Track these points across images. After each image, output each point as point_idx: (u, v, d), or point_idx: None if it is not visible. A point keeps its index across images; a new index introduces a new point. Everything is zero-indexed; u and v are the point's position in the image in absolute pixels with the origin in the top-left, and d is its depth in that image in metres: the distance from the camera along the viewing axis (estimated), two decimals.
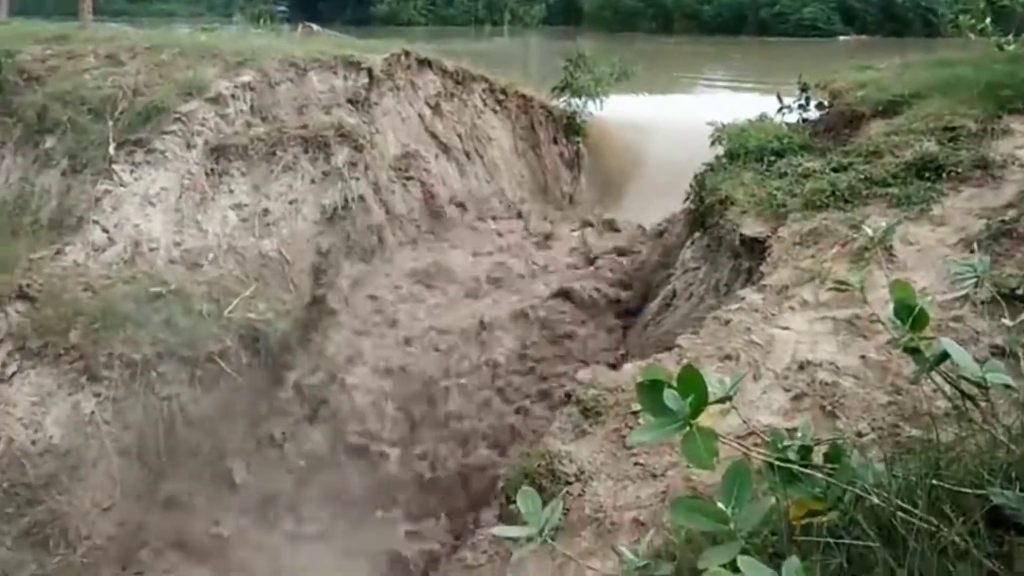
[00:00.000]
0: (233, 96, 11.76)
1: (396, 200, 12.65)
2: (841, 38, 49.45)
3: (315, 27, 19.74)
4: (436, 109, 14.01)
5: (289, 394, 10.08)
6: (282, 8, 47.49)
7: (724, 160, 9.27)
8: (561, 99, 15.75)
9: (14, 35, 13.11)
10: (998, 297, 4.23)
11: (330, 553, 8.65)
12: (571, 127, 15.70)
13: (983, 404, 2.30)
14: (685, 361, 2.17)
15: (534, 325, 10.30)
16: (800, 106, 10.26)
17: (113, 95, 11.41)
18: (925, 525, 2.03)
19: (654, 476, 4.59)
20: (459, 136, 14.17)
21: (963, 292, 5.08)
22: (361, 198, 12.03)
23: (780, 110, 10.19)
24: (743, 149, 9.13)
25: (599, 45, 18.83)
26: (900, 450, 2.98)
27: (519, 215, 13.65)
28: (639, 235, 12.34)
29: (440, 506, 8.85)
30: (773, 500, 2.21)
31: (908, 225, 6.43)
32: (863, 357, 4.97)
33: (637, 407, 5.13)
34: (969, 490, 2.13)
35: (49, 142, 11.35)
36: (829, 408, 4.58)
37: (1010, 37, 10.01)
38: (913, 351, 2.30)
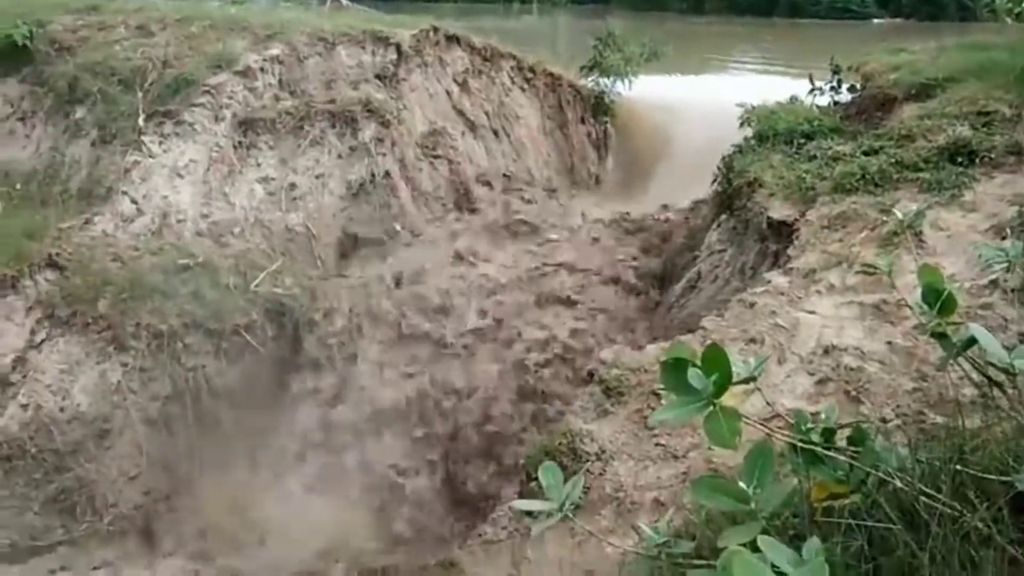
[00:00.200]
0: (262, 69, 11.79)
1: (422, 177, 12.64)
2: (875, 21, 48.80)
3: (344, 1, 19.69)
4: (464, 86, 13.95)
5: (312, 365, 10.09)
6: None
7: (753, 142, 9.20)
8: (590, 78, 15.62)
9: (45, 5, 13.15)
10: None
11: (352, 513, 8.73)
12: (599, 107, 15.58)
13: (1010, 391, 2.28)
14: (709, 343, 2.18)
15: (559, 305, 10.29)
16: (832, 88, 10.16)
17: (143, 66, 11.46)
18: (948, 510, 2.02)
19: (675, 457, 4.59)
20: (486, 114, 14.10)
21: (993, 279, 5.03)
22: (387, 174, 12.03)
23: (811, 92, 10.09)
24: (772, 131, 9.06)
25: (629, 24, 18.62)
26: (924, 437, 2.96)
27: (548, 193, 13.59)
28: (664, 217, 12.27)
29: (463, 477, 8.91)
30: (795, 482, 2.21)
31: (939, 210, 6.36)
32: (889, 343, 4.93)
33: (660, 388, 5.13)
34: (994, 476, 2.12)
35: (79, 112, 11.43)
36: (853, 393, 4.55)
37: None
38: (940, 336, 2.29)
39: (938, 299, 2.25)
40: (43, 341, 9.35)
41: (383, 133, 12.08)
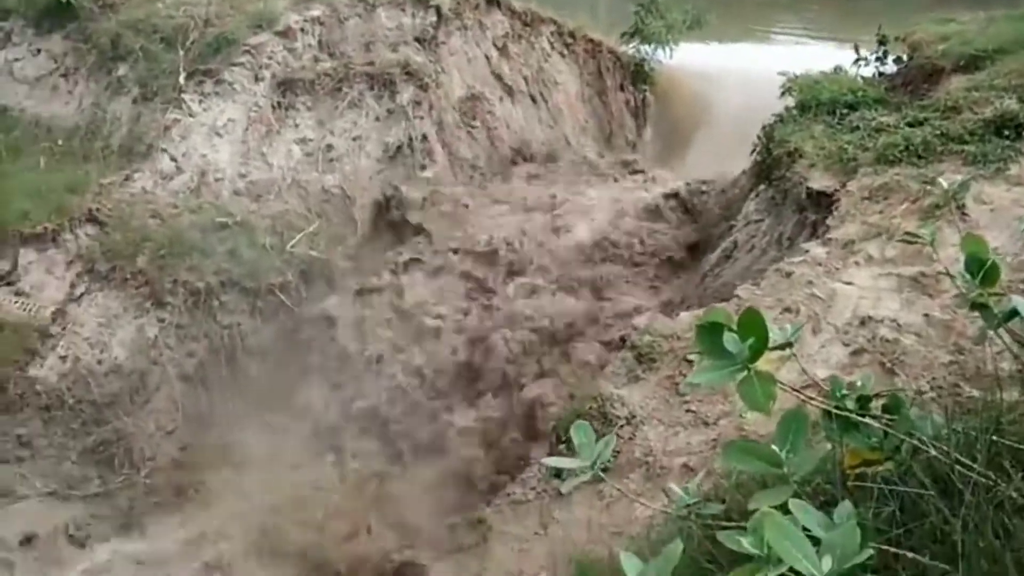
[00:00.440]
0: (302, 30, 11.79)
1: (459, 141, 12.61)
2: None
3: None
4: (503, 51, 13.85)
5: (346, 326, 10.12)
6: None
7: (794, 112, 9.08)
8: (630, 45, 15.43)
9: None
10: None
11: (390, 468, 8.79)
12: (639, 74, 15.38)
13: None
14: (746, 308, 2.17)
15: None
16: (877, 59, 9.97)
17: (185, 25, 11.51)
18: (983, 479, 2.00)
19: (706, 424, 4.59)
20: (524, 79, 14.00)
21: None
22: (424, 137, 12.01)
23: (856, 62, 9.92)
24: (815, 101, 8.93)
25: None
26: (960, 410, 2.94)
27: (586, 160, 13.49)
28: (701, 186, 12.14)
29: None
30: (827, 448, 2.21)
31: (983, 184, 6.26)
32: (927, 315, 4.89)
33: (692, 355, 5.12)
34: None
35: (121, 69, 11.51)
36: (889, 365, 4.52)
37: None
38: (982, 307, 2.26)
39: (981, 269, 2.22)
40: (82, 295, 9.51)
41: (421, 96, 12.06)
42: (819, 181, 7.39)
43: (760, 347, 1.96)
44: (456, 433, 8.77)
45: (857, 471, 2.24)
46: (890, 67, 9.94)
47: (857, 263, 5.69)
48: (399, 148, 11.84)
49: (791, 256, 6.35)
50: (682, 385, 4.75)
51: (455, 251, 10.69)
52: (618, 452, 4.47)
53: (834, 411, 2.13)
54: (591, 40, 15.07)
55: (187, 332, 9.71)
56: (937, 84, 8.58)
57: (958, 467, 2.04)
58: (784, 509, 1.76)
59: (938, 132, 7.17)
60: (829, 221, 6.56)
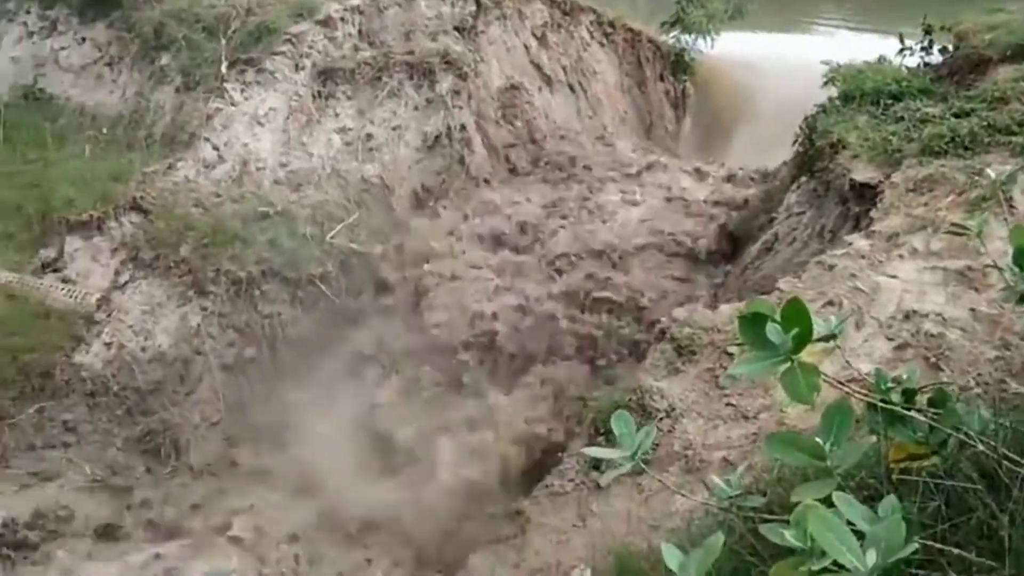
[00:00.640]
0: (342, 19, 11.84)
1: (497, 131, 12.59)
2: None
3: None
4: (542, 40, 13.81)
5: (389, 316, 10.14)
6: None
7: (837, 102, 8.96)
8: (671, 35, 15.32)
9: None
10: None
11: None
12: (679, 64, 15.27)
13: None
14: (790, 298, 2.14)
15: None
16: (922, 49, 9.81)
17: (227, 14, 11.62)
18: None
19: (746, 417, 4.56)
20: (563, 69, 13.95)
21: None
22: (463, 127, 12.01)
23: (900, 52, 9.76)
24: (859, 91, 8.81)
25: None
26: (1006, 406, 2.89)
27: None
28: (741, 178, 12.03)
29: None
30: (871, 442, 2.18)
31: None
32: (972, 310, 4.82)
33: (732, 347, 5.09)
34: None
35: (164, 59, 11.66)
36: (933, 360, 4.46)
37: None
38: None
39: None
40: (127, 282, 9.64)
41: (460, 86, 12.05)
42: (863, 172, 7.29)
43: (804, 338, 1.94)
44: (495, 418, 8.82)
45: (901, 465, 2.21)
46: (935, 57, 9.78)
47: (901, 256, 5.61)
48: (438, 138, 11.85)
49: (834, 249, 6.28)
50: (722, 377, 4.72)
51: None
52: (657, 445, 4.45)
53: (879, 404, 2.10)
54: (631, 29, 14.97)
55: (229, 321, 9.79)
56: (984, 74, 8.43)
57: (1006, 462, 2.01)
58: (827, 502, 1.74)
59: (985, 123, 7.05)
60: (873, 213, 6.48)
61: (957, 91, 8.37)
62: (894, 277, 5.38)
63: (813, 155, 8.74)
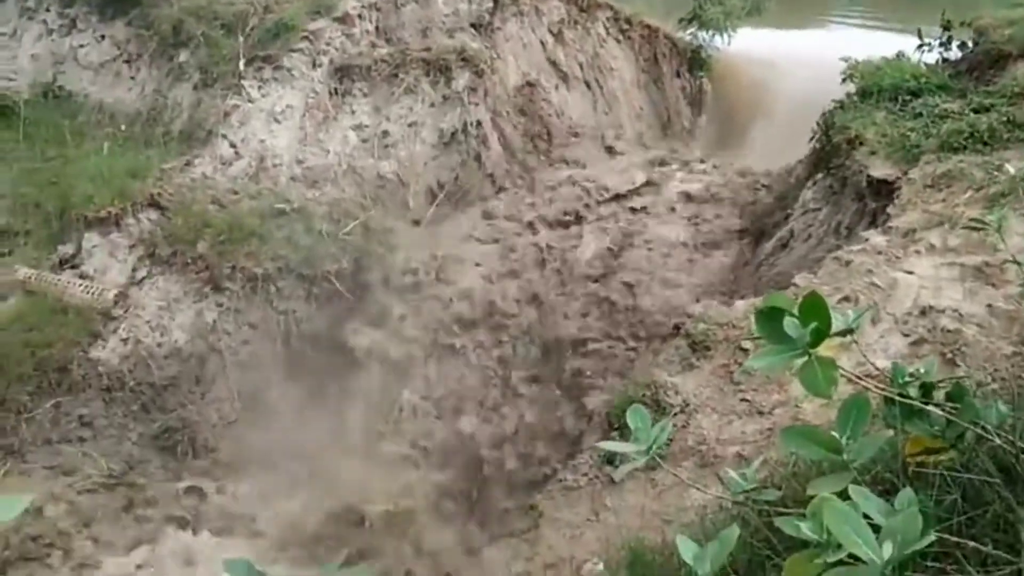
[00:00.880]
0: (360, 16, 11.86)
1: (514, 127, 12.57)
2: None
3: None
4: (558, 36, 13.79)
5: (404, 312, 10.15)
6: None
7: (855, 98, 8.93)
8: (688, 31, 15.27)
9: None
10: None
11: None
12: (696, 61, 15.22)
13: None
14: (808, 292, 2.13)
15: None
16: (941, 44, 9.75)
17: (244, 11, 11.65)
18: None
19: (760, 413, 4.55)
20: (580, 65, 13.92)
21: None
22: (479, 124, 12.00)
23: (919, 48, 9.71)
24: (876, 87, 8.78)
25: None
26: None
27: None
28: (756, 175, 11.96)
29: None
30: (888, 435, 2.17)
31: None
32: (989, 306, 4.79)
33: (747, 343, 5.08)
34: None
35: (183, 56, 11.70)
36: (950, 355, 4.44)
37: None
38: None
39: None
40: (144, 278, 9.69)
41: (476, 82, 12.04)
42: (880, 169, 7.26)
43: (822, 332, 1.94)
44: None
45: (917, 459, 2.20)
46: (954, 53, 9.73)
47: (918, 252, 5.58)
48: (454, 134, 11.84)
49: (850, 245, 6.25)
50: (737, 372, 4.71)
51: None
52: (671, 440, 4.45)
53: (897, 398, 2.10)
54: (647, 26, 14.92)
55: (245, 317, 9.82)
56: (1003, 70, 8.37)
57: (1023, 456, 2.00)
58: (843, 496, 1.74)
59: (1004, 119, 7.00)
60: (890, 209, 6.45)
61: (976, 87, 8.33)
62: (911, 273, 5.36)
63: (830, 151, 8.71)
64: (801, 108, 11.01)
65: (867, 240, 5.96)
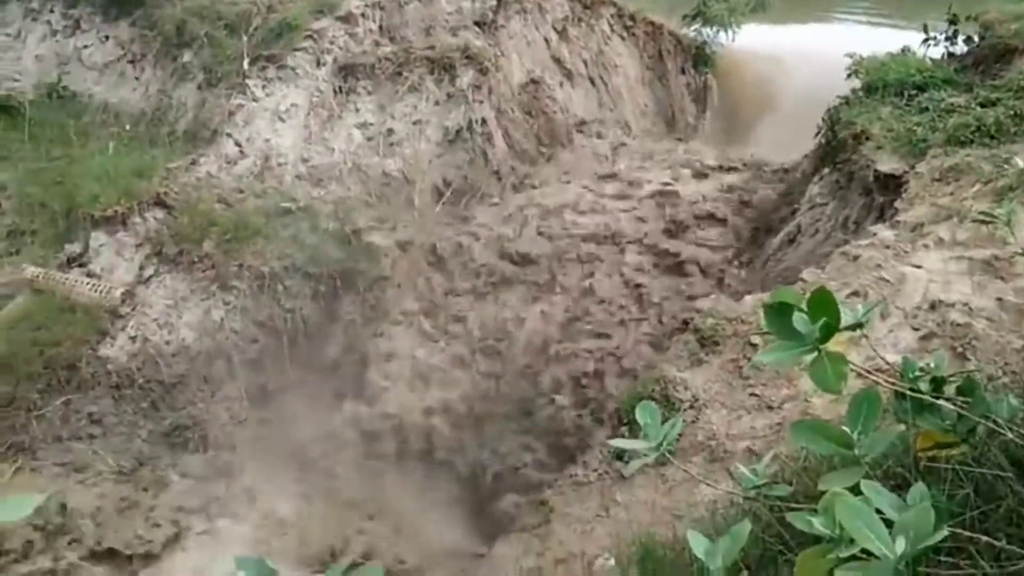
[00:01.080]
0: (363, 15, 11.86)
1: (518, 123, 12.57)
2: None
3: None
4: (563, 34, 13.79)
5: (413, 309, 10.13)
6: None
7: (860, 93, 8.92)
8: (692, 28, 15.26)
9: None
10: None
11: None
12: (700, 57, 15.22)
13: None
14: (816, 288, 2.13)
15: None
16: (947, 38, 9.74)
17: (248, 11, 11.66)
18: None
19: (770, 408, 4.55)
20: (584, 62, 13.92)
21: None
22: (483, 121, 11.99)
23: (925, 42, 9.70)
24: (882, 82, 8.78)
25: None
26: None
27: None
28: (762, 170, 11.94)
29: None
30: (899, 430, 2.17)
31: None
32: (999, 299, 4.78)
33: (756, 338, 5.07)
34: None
35: (187, 56, 11.71)
36: (959, 350, 4.43)
37: None
38: None
39: None
40: (151, 277, 9.71)
41: (481, 80, 12.02)
42: (887, 163, 7.25)
43: (832, 327, 1.94)
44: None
45: (929, 454, 2.20)
46: (960, 48, 9.71)
47: (927, 246, 5.57)
48: (459, 132, 11.82)
49: (858, 239, 6.24)
50: (746, 367, 4.71)
51: None
52: (680, 435, 4.45)
53: (908, 393, 2.10)
54: (652, 23, 14.93)
55: (252, 316, 9.83)
56: (1010, 64, 8.36)
57: None
58: (855, 491, 1.74)
59: (1011, 112, 7.00)
60: (898, 204, 6.44)
61: (982, 81, 8.32)
62: (919, 267, 5.35)
63: (836, 146, 8.70)
64: (806, 104, 11.01)
65: (875, 234, 5.96)
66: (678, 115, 14.95)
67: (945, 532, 1.63)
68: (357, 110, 11.58)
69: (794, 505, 2.19)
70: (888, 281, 5.22)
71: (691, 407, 4.67)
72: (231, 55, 11.31)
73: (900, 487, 2.01)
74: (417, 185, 11.46)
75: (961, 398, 2.15)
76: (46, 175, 10.60)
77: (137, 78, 12.12)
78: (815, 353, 1.95)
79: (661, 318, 9.15)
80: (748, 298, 5.83)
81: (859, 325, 2.15)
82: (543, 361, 9.28)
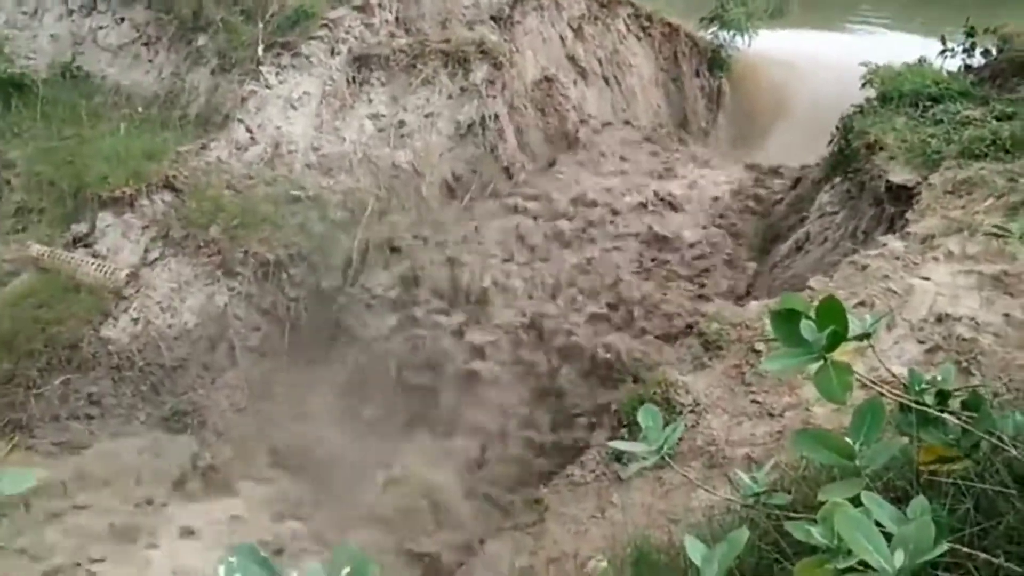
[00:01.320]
0: (380, 5, 11.84)
1: (530, 120, 12.54)
2: None
3: None
4: (578, 32, 13.75)
5: (420, 304, 10.08)
6: None
7: (875, 103, 8.88)
8: (709, 30, 15.21)
9: None
10: None
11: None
12: (716, 61, 15.17)
13: None
14: (825, 296, 2.10)
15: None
16: (964, 50, 9.69)
17: None
18: None
19: (771, 415, 4.52)
20: (599, 61, 13.88)
21: None
22: (495, 117, 11.95)
23: (942, 53, 9.64)
24: (897, 92, 8.74)
25: None
26: None
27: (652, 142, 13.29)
28: (770, 177, 11.90)
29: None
30: (903, 442, 2.15)
31: None
32: (1007, 315, 4.74)
33: (760, 344, 5.05)
34: None
35: (201, 40, 11.69)
36: (964, 364, 4.40)
37: None
38: None
39: None
40: (156, 259, 9.71)
41: (495, 75, 12.00)
42: (899, 174, 7.22)
43: (839, 337, 1.92)
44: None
45: (931, 468, 2.18)
46: (977, 60, 9.66)
47: (936, 259, 5.54)
48: (470, 126, 11.80)
49: (867, 249, 6.21)
50: (749, 373, 4.69)
51: None
52: (680, 439, 4.41)
53: (913, 405, 2.07)
54: (668, 24, 14.88)
55: (255, 303, 9.82)
56: None
57: None
58: (855, 502, 1.72)
59: None
60: (908, 215, 6.40)
61: (999, 94, 8.28)
62: (928, 279, 5.32)
63: (848, 155, 8.67)
64: (820, 111, 10.96)
65: (884, 245, 5.92)
66: (691, 117, 14.91)
67: (945, 547, 1.61)
68: (370, 101, 11.56)
69: (793, 514, 2.17)
70: (896, 292, 5.19)
71: (692, 411, 4.65)
72: (246, 41, 11.28)
73: (900, 500, 1.99)
74: (427, 178, 11.44)
75: (966, 413, 2.12)
76: (56, 154, 10.59)
77: (151, 61, 12.10)
78: (821, 362, 1.93)
79: None
80: (753, 303, 5.81)
81: (866, 336, 2.12)
82: None
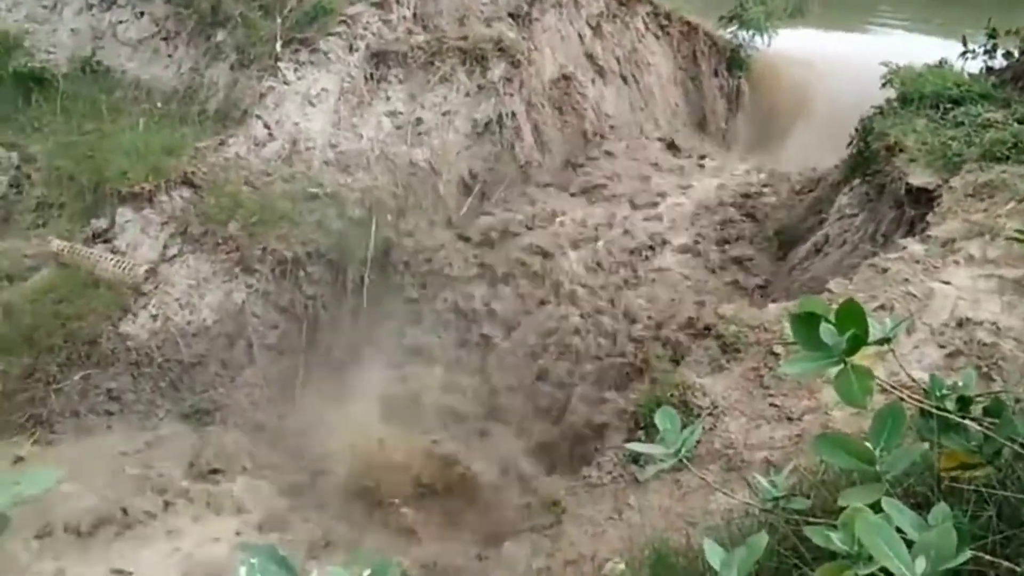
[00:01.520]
0: (398, 2, 11.83)
1: (548, 118, 12.51)
2: None
3: None
4: (597, 30, 13.69)
5: (436, 302, 10.12)
6: None
7: (895, 104, 8.82)
8: (728, 30, 15.13)
9: None
10: None
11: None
12: (735, 60, 15.08)
13: None
14: (845, 299, 2.08)
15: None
16: (986, 52, 9.60)
17: None
18: None
19: (789, 419, 4.50)
20: (617, 59, 13.81)
21: None
22: (513, 115, 11.93)
23: (963, 55, 9.57)
24: (917, 94, 8.68)
25: None
26: None
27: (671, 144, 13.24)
28: (790, 178, 11.82)
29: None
30: (924, 447, 2.13)
31: None
32: None
33: (778, 347, 5.02)
34: None
35: (220, 35, 11.74)
36: (986, 369, 4.36)
37: None
38: None
39: None
40: (175, 256, 9.75)
41: (512, 73, 11.96)
42: (920, 177, 7.16)
43: (860, 340, 1.90)
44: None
45: (952, 474, 2.16)
46: (999, 62, 9.58)
47: (957, 262, 5.50)
48: (488, 124, 11.76)
49: (887, 252, 6.17)
50: (767, 376, 4.67)
51: None
52: (698, 442, 4.40)
53: (934, 411, 2.05)
54: (687, 23, 14.80)
55: (273, 300, 9.84)
56: None
57: None
58: (875, 508, 1.71)
59: None
60: (929, 218, 6.36)
61: (1021, 96, 8.22)
62: (948, 283, 5.28)
63: (868, 157, 8.61)
64: (840, 112, 10.88)
65: (905, 248, 5.88)
66: (709, 117, 14.83)
67: (968, 554, 1.59)
68: (387, 98, 11.55)
69: (812, 519, 2.15)
70: (916, 296, 5.15)
71: (710, 414, 4.63)
72: (264, 37, 11.32)
73: (921, 506, 1.98)
74: (444, 176, 11.42)
75: (988, 419, 2.11)
76: (76, 149, 10.65)
77: (170, 56, 12.15)
78: (841, 366, 1.92)
79: None
80: (771, 306, 5.78)
81: (887, 340, 2.10)
82: None
